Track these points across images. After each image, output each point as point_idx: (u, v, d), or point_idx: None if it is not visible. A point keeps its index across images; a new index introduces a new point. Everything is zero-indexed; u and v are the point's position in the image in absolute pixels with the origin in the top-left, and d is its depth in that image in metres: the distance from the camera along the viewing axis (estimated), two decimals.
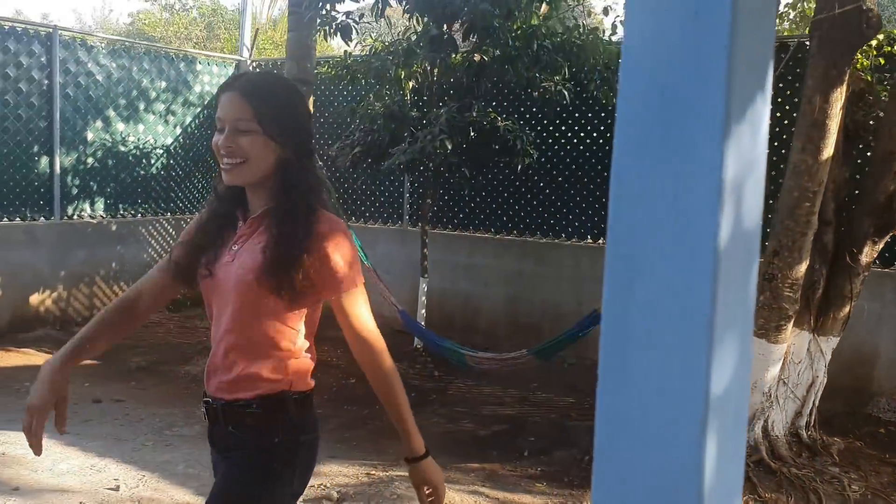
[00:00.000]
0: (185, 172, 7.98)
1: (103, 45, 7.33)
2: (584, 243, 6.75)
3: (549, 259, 6.83)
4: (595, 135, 6.62)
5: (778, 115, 5.44)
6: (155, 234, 7.67)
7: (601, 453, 0.89)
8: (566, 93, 5.59)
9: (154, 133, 7.70)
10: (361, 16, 6.15)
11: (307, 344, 1.79)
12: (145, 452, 4.21)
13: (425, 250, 6.58)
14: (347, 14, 5.84)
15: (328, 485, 3.91)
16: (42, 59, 6.72)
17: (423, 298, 6.57)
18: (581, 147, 6.70)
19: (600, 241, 6.63)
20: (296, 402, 1.75)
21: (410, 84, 6.40)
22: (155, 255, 7.57)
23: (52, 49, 6.74)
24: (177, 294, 1.97)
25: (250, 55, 8.54)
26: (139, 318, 1.92)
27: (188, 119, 7.99)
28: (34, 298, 6.72)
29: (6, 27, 6.52)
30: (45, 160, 6.83)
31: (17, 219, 6.63)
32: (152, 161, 7.70)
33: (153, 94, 7.64)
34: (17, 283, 6.57)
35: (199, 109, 8.05)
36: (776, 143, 5.52)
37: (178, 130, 7.90)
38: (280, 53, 15.52)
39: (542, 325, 6.78)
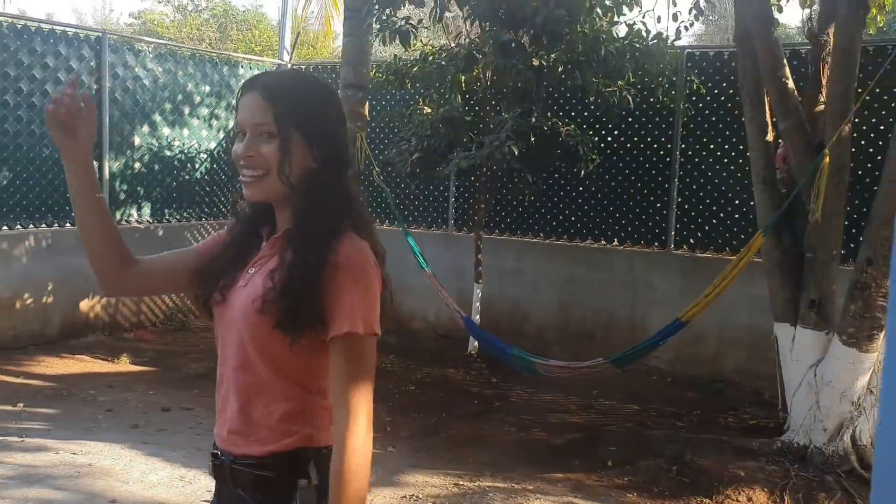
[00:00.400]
0: (228, 177, 7.93)
1: (150, 48, 7.29)
2: (636, 248, 6.70)
3: (601, 264, 6.77)
4: (649, 139, 6.57)
5: (874, 120, 5.41)
6: (199, 239, 7.61)
7: (882, 481, 0.86)
8: (630, 98, 5.56)
9: (198, 138, 7.66)
10: (420, 21, 6.12)
11: None
12: None
13: (479, 256, 6.52)
14: (406, 20, 5.81)
15: (420, 496, 3.87)
16: (91, 64, 6.67)
17: (478, 304, 6.52)
18: (635, 152, 6.65)
19: (655, 246, 6.58)
20: (319, 460, 1.43)
21: (463, 89, 6.36)
22: None
23: (102, 53, 6.69)
24: (182, 286, 1.67)
25: (290, 58, 8.51)
26: (126, 268, 1.60)
27: (231, 123, 7.94)
28: (84, 304, 6.68)
29: (57, 31, 6.48)
30: (94, 165, 6.77)
31: (68, 224, 6.58)
32: (197, 166, 7.66)
33: (197, 99, 7.60)
34: (67, 289, 6.53)
35: None
36: (871, 150, 5.48)
37: (222, 135, 7.86)
38: (306, 55, 15.48)
39: (595, 332, 6.73)
